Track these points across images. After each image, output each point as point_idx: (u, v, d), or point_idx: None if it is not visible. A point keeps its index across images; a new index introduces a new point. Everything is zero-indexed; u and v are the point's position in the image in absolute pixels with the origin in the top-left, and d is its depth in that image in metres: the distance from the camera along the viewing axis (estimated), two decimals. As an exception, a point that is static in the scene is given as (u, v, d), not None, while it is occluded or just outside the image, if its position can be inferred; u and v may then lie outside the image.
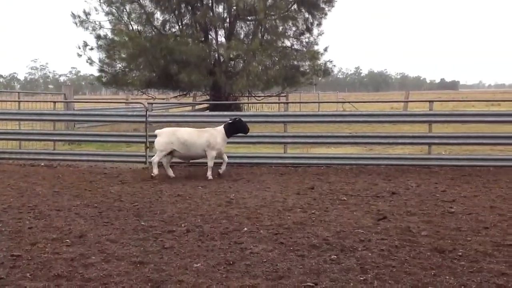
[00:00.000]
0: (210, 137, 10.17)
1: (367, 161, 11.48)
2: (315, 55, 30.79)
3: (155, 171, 10.11)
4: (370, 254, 5.29)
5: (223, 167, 10.37)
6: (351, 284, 4.48)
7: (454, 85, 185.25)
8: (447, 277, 4.59)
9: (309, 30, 31.25)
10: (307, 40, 31.53)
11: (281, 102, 25.79)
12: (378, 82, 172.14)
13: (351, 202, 7.81)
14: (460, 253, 5.25)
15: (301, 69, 32.21)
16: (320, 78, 35.40)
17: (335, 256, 5.21)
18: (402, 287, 4.42)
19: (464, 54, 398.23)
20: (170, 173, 10.35)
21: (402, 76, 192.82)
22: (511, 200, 7.79)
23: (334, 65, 31.97)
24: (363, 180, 9.77)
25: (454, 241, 5.69)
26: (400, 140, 11.90)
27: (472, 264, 4.94)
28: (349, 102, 33.10)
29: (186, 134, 10.21)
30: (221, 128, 10.33)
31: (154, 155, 10.36)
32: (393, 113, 14.52)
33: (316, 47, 31.49)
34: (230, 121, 10.44)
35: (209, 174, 10.09)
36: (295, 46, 32.01)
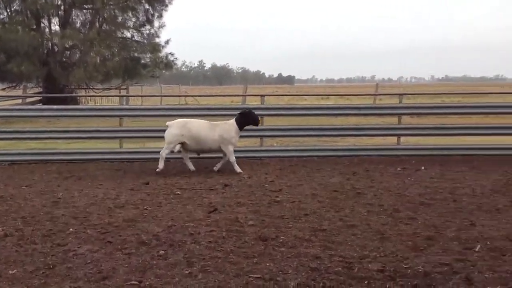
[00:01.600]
0: (222, 131, 9.80)
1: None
2: (156, 48, 30.42)
3: (161, 165, 9.77)
4: (198, 247, 5.39)
5: (221, 163, 10.13)
6: (176, 278, 4.53)
7: (290, 80, 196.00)
8: (268, 264, 4.85)
9: (149, 21, 30.77)
10: (148, 32, 31.01)
11: (121, 96, 25.03)
12: (221, 75, 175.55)
13: (185, 196, 7.87)
14: (281, 240, 5.59)
15: (142, 61, 31.64)
16: (163, 71, 35.07)
17: (163, 252, 5.22)
18: (226, 277, 4.58)
19: (298, 51, 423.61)
20: (190, 166, 10.05)
21: (243, 71, 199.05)
22: (330, 187, 8.47)
23: (176, 58, 31.91)
24: (198, 173, 9.91)
25: (277, 229, 6.03)
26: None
27: (290, 249, 5.28)
28: (192, 96, 33.26)
29: (197, 126, 9.82)
30: (232, 121, 9.95)
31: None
32: (228, 107, 14.87)
33: (157, 40, 31.11)
34: (241, 113, 10.05)
35: (237, 168, 9.84)
36: (136, 38, 31.33)
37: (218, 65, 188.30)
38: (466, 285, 4.28)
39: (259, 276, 4.56)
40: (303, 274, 4.59)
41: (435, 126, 12.44)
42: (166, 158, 9.93)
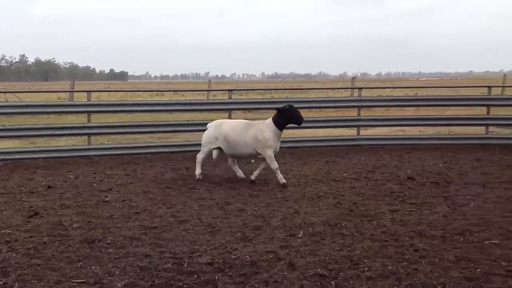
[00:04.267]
0: (257, 132, 8.27)
1: (23, 155, 10.74)
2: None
3: (197, 171, 8.71)
4: (14, 255, 4.92)
5: (258, 171, 8.56)
6: (-13, 292, 4.07)
7: (123, 76, 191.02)
8: (93, 267, 4.60)
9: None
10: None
11: None
12: (46, 71, 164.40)
13: (2, 201, 7.16)
14: (109, 241, 5.34)
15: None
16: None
17: (-27, 264, 4.66)
18: (45, 284, 4.23)
19: (131, 46, 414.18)
20: (239, 173, 8.78)
21: (71, 66, 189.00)
22: (163, 184, 8.36)
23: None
24: (18, 175, 9.09)
25: (105, 230, 5.76)
26: (59, 132, 11.48)
27: (119, 250, 5.07)
28: (12, 92, 30.46)
29: (230, 128, 8.49)
30: (269, 121, 8.34)
31: None
32: (57, 104, 13.96)
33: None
34: (279, 110, 8.33)
35: (280, 178, 8.22)
36: None
37: (43, 59, 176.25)
38: (289, 270, 4.49)
39: (83, 280, 4.30)
40: (132, 274, 4.43)
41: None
42: None
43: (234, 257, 4.82)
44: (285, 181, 8.13)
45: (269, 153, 8.17)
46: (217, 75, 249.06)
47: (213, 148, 8.66)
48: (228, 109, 12.42)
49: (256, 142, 8.20)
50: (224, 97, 12.45)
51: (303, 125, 8.38)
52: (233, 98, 12.48)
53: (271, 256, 4.81)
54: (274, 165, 8.18)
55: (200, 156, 8.79)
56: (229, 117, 12.40)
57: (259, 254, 4.86)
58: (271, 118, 8.30)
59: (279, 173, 8.18)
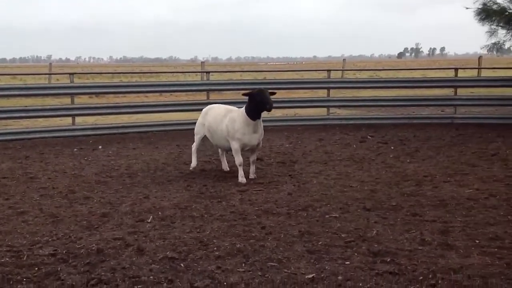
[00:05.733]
0: (229, 122, 7.16)
1: None
2: None
3: (193, 162, 7.83)
4: None
5: (252, 168, 7.44)
6: None
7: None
8: None
9: None
10: None
11: None
12: None
13: None
14: None
15: None
16: None
17: None
18: None
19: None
20: (224, 165, 7.92)
21: None
22: (-2, 174, 7.68)
23: None
24: None
25: None
26: None
27: None
28: None
29: (213, 115, 7.49)
30: (243, 108, 7.16)
31: None
32: None
33: None
34: (248, 95, 7.08)
35: (240, 176, 7.19)
36: None
37: None
38: (138, 255, 4.37)
39: None
40: (-41, 274, 3.99)
41: (111, 105, 12.50)
42: None
43: (79, 246, 4.58)
44: (244, 179, 7.15)
45: (235, 146, 7.12)
46: (60, 59, 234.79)
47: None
48: (70, 93, 11.76)
49: (227, 133, 7.17)
50: (68, 80, 11.69)
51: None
52: (76, 82, 11.82)
53: (119, 243, 4.65)
54: (238, 159, 7.21)
55: (193, 146, 7.99)
56: (72, 102, 11.75)
57: (106, 242, 4.67)
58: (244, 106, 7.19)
59: (241, 169, 7.24)
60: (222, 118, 7.28)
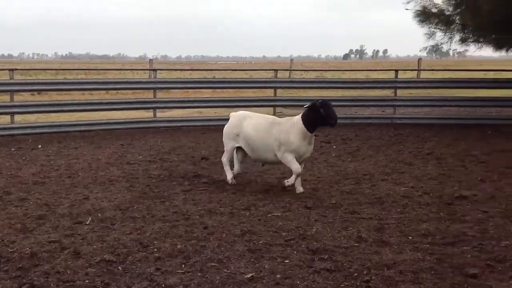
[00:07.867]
0: (279, 134, 6.40)
1: None
2: None
3: (228, 176, 7.00)
4: None
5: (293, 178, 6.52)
6: None
7: None
8: None
9: None
10: None
11: None
12: None
13: None
14: None
15: None
16: None
17: None
18: None
19: None
20: (229, 175, 7.03)
21: None
22: None
23: None
24: None
25: None
26: None
27: None
28: None
29: (252, 126, 6.65)
30: (298, 119, 6.39)
31: None
32: None
33: None
34: (307, 107, 6.35)
35: (290, 180, 6.45)
36: None
37: None
38: (74, 259, 4.27)
39: None
40: None
41: (53, 103, 12.16)
42: None
43: (12, 250, 4.43)
44: (302, 189, 6.53)
45: (289, 158, 6.41)
46: (3, 54, 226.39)
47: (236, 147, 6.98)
48: (9, 90, 11.35)
49: (279, 145, 6.44)
50: (5, 77, 11.29)
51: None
52: (16, 79, 11.42)
53: (54, 246, 4.53)
54: (296, 170, 6.42)
55: (223, 158, 7.15)
56: (11, 100, 11.35)
57: (41, 245, 4.54)
58: (300, 115, 6.47)
59: (295, 177, 6.49)
60: (267, 130, 6.56)
